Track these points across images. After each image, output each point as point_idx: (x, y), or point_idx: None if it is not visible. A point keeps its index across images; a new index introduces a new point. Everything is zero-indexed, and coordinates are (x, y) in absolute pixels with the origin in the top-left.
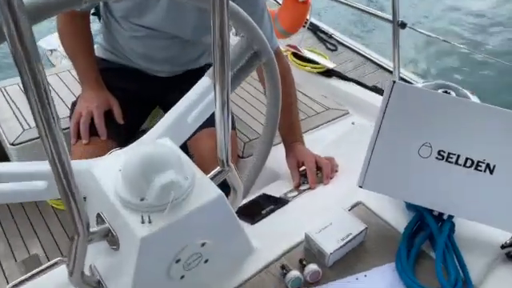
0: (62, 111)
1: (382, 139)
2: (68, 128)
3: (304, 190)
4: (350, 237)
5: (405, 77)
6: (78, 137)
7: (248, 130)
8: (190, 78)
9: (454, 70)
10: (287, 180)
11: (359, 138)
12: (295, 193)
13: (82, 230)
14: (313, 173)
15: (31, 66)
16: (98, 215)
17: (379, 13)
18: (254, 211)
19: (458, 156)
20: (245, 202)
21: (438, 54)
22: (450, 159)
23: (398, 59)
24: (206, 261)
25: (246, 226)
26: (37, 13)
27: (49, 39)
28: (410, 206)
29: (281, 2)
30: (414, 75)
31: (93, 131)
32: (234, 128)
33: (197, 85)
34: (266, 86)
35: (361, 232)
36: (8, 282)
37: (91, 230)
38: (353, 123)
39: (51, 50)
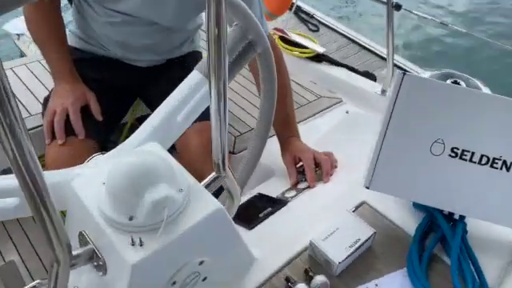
0: (34, 107)
1: (391, 136)
2: (41, 126)
3: (303, 189)
4: (359, 243)
5: (399, 63)
6: (53, 136)
7: (239, 123)
8: (172, 68)
9: (450, 54)
10: (283, 177)
11: (355, 128)
12: (293, 192)
13: (63, 255)
14: (312, 170)
15: None
16: (81, 234)
17: None
18: (251, 214)
19: (473, 153)
20: None
21: (432, 37)
22: (464, 156)
23: (393, 44)
24: (205, 279)
25: (242, 231)
26: None
27: (15, 22)
28: (418, 205)
29: None
30: (410, 63)
31: (69, 130)
32: None
33: (186, 80)
34: (260, 77)
35: (369, 237)
36: None
37: (74, 252)
38: (347, 112)
39: (18, 35)
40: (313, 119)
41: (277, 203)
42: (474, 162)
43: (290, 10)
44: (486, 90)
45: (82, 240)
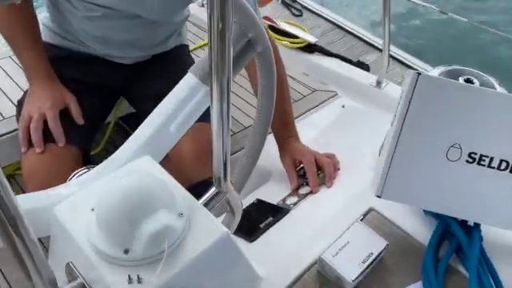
0: (7, 110)
1: (404, 142)
2: (15, 130)
3: (305, 195)
4: (372, 258)
5: (392, 53)
6: (30, 144)
7: (232, 122)
8: (157, 64)
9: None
10: (282, 181)
11: (353, 124)
12: (295, 198)
13: None
14: (314, 175)
15: None
16: (68, 265)
17: None
18: (251, 225)
19: (492, 158)
20: None
21: (427, 25)
22: (482, 162)
23: (389, 33)
24: None
25: (243, 244)
26: None
27: None
28: (430, 212)
29: None
30: (404, 52)
31: (47, 136)
32: None
33: (180, 84)
34: (258, 75)
35: (382, 250)
36: None
37: (59, 286)
38: (343, 106)
39: None
40: (308, 115)
41: (278, 211)
42: (493, 168)
43: None
44: (501, 89)
45: (69, 272)
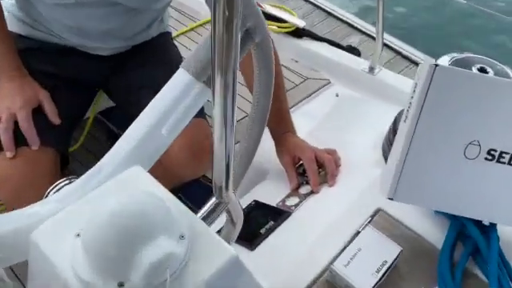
0: None
1: (419, 139)
2: None
3: (306, 195)
4: (386, 266)
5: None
6: (0, 148)
7: None
8: (138, 54)
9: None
10: (279, 179)
11: (349, 114)
12: (295, 199)
13: None
14: (315, 173)
15: None
16: None
17: None
18: (250, 230)
19: None
20: None
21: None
22: (501, 159)
23: (383, 17)
24: None
25: (244, 252)
26: None
27: None
28: (441, 211)
29: None
30: (394, 38)
31: (19, 139)
32: (204, 115)
33: (170, 82)
34: (255, 67)
35: (397, 257)
36: None
37: None
38: (337, 95)
39: None
40: (301, 105)
41: (278, 214)
42: None
43: None
44: None
45: None
